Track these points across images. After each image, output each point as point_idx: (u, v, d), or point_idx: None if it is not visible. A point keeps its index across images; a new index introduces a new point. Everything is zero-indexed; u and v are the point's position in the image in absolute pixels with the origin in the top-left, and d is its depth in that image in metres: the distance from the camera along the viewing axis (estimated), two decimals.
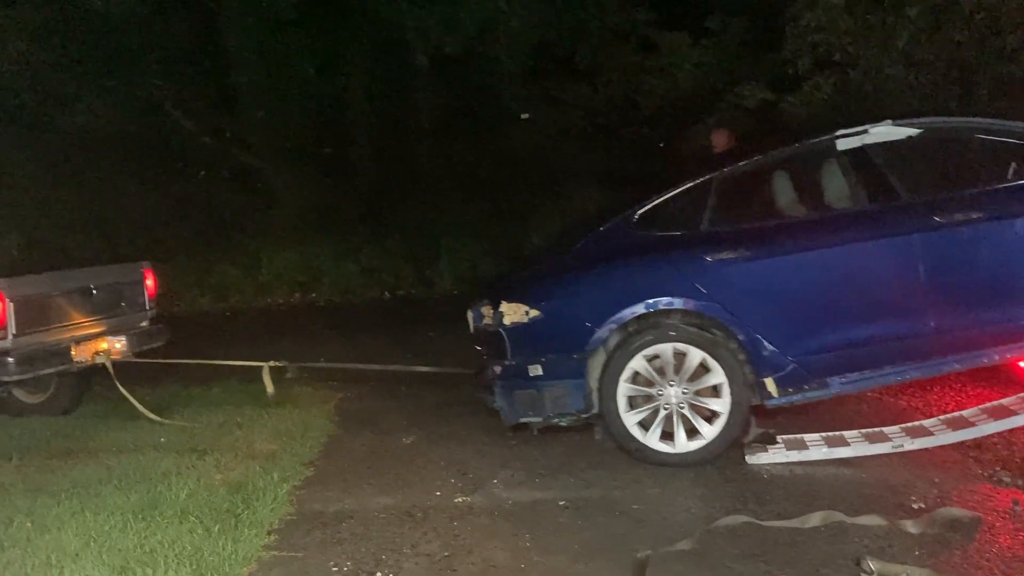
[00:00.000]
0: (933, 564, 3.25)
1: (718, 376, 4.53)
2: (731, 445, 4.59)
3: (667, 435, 4.59)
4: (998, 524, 3.61)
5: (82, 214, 13.48)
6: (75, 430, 5.96)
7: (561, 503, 4.22)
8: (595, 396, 4.68)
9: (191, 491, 4.43)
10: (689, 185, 4.89)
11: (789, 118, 12.26)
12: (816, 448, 4.54)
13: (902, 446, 4.42)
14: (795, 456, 4.51)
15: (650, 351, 4.58)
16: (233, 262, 14.03)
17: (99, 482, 4.66)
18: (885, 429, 4.64)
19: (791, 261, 4.57)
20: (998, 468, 4.23)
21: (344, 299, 13.58)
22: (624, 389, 4.60)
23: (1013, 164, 4.63)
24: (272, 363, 6.15)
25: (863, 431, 4.66)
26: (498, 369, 4.86)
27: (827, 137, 4.81)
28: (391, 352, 8.02)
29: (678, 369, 4.57)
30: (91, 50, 13.71)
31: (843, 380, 4.50)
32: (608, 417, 4.65)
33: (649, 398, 4.60)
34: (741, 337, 4.53)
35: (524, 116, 16.76)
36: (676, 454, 4.57)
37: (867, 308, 4.51)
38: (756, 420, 4.82)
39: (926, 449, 4.42)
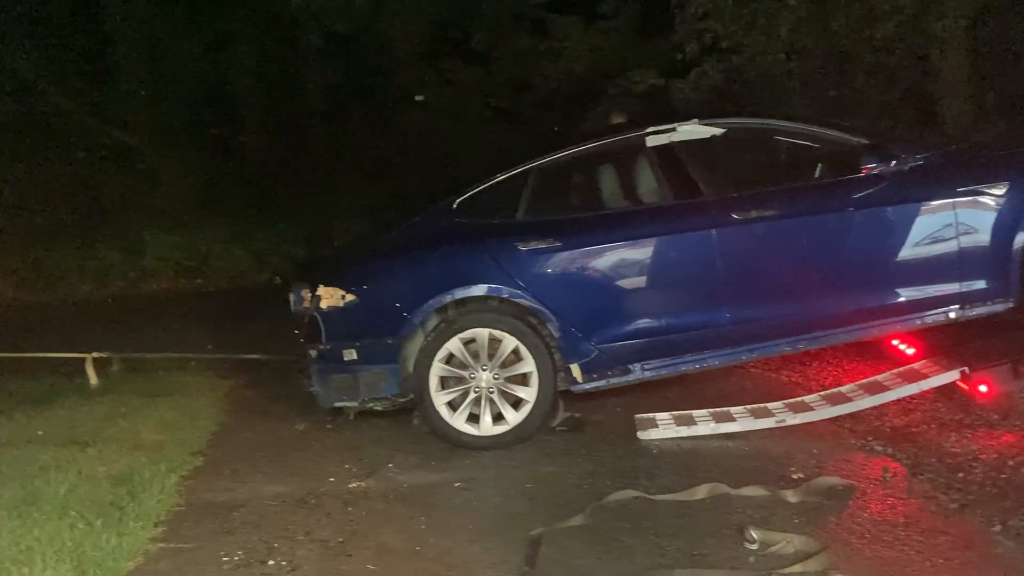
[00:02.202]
0: (811, 531, 3.40)
1: (528, 363, 4.64)
2: (538, 429, 4.71)
3: (474, 417, 4.68)
4: (870, 491, 3.80)
5: None
6: None
7: (457, 484, 4.24)
8: (411, 381, 4.72)
9: (72, 485, 4.23)
10: (508, 174, 4.97)
11: (678, 103, 12.54)
12: (704, 423, 4.69)
13: (784, 421, 4.61)
14: (684, 431, 4.65)
15: (468, 334, 4.65)
16: (115, 246, 13.47)
17: None
18: (769, 405, 4.83)
19: (597, 252, 4.71)
20: (870, 438, 4.46)
21: (233, 284, 13.21)
22: (437, 369, 4.66)
23: (820, 164, 4.90)
24: (95, 354, 6.06)
25: (748, 407, 4.84)
26: (313, 353, 4.84)
27: (638, 133, 4.98)
28: (276, 338, 7.85)
29: (492, 354, 4.65)
30: None
31: (645, 367, 4.70)
32: (420, 396, 4.70)
33: (461, 380, 4.67)
34: (551, 325, 4.65)
35: (419, 98, 16.63)
36: (481, 436, 4.66)
37: (667, 299, 4.71)
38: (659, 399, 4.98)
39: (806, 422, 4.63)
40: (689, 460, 4.33)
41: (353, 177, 14.60)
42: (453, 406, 4.69)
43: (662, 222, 4.77)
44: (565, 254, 4.71)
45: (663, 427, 4.72)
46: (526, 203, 4.89)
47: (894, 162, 4.60)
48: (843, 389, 4.86)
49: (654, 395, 5.20)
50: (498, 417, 4.68)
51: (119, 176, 14.51)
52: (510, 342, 4.65)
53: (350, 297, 4.76)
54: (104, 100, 14.81)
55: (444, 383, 4.70)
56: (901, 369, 4.80)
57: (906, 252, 4.61)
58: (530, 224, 4.86)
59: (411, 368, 4.73)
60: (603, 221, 4.93)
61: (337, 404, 4.91)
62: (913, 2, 10.16)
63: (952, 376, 4.51)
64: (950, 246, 4.55)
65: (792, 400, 4.87)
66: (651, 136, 4.92)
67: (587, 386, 4.75)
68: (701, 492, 3.83)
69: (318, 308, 4.77)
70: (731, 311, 4.66)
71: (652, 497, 3.84)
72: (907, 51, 10.71)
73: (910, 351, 4.98)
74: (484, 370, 4.66)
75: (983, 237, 4.53)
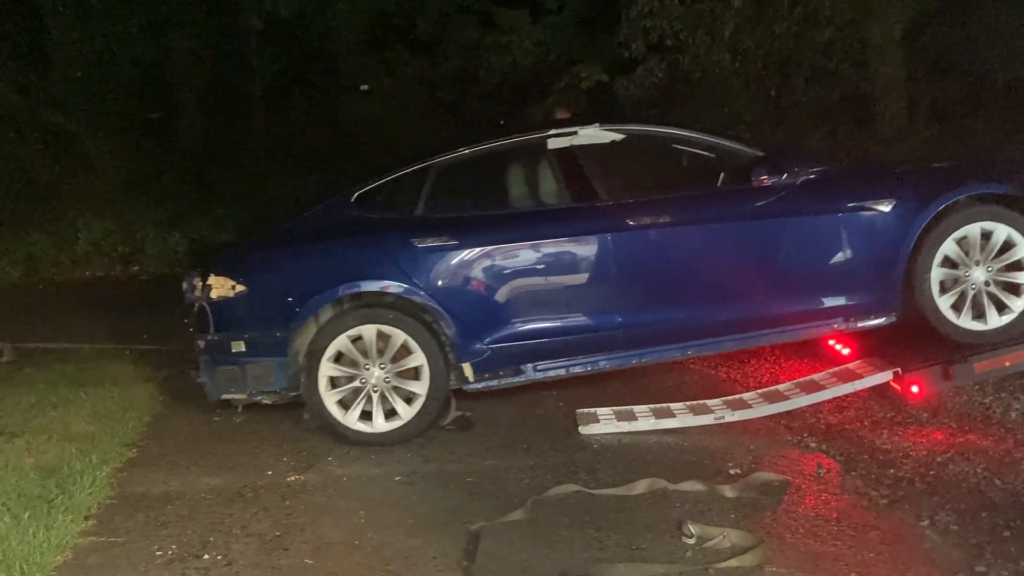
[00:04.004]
0: (747, 525, 3.46)
1: (418, 356, 4.62)
2: (429, 427, 4.71)
3: (367, 414, 4.66)
4: (804, 486, 3.88)
5: None
6: None
7: (397, 478, 4.21)
8: (300, 375, 4.68)
9: None
10: (409, 169, 4.96)
11: (623, 100, 12.63)
12: (644, 419, 4.73)
13: (723, 418, 4.67)
14: (625, 427, 4.69)
15: (355, 331, 4.62)
16: (47, 231, 13.05)
17: None
18: (708, 402, 4.89)
19: (493, 252, 4.71)
20: (806, 435, 4.55)
21: (171, 271, 12.91)
22: (326, 368, 4.62)
23: (715, 175, 4.97)
24: None
25: (688, 403, 4.89)
26: (201, 344, 4.77)
27: (540, 135, 5.01)
28: None
29: (383, 351, 4.63)
30: None
31: (537, 367, 4.74)
32: (309, 394, 4.66)
33: (351, 378, 4.64)
34: (444, 323, 4.65)
35: (363, 87, 16.47)
36: (373, 434, 4.65)
37: (561, 302, 4.73)
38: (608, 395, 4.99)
39: None
40: (629, 455, 4.36)
41: (293, 164, 14.38)
42: (344, 404, 4.65)
43: (558, 225, 4.78)
44: (461, 252, 4.68)
45: (604, 422, 4.74)
46: (425, 199, 4.85)
47: (785, 175, 4.69)
48: (780, 387, 4.95)
49: (595, 390, 5.23)
50: (391, 413, 4.64)
51: (51, 159, 14.06)
52: (399, 336, 4.61)
53: (240, 287, 4.68)
54: (37, 81, 14.32)
55: (334, 382, 4.64)
56: (837, 369, 4.90)
57: (793, 264, 4.72)
58: (428, 220, 4.82)
59: (301, 362, 4.67)
60: (500, 221, 4.87)
61: (224, 396, 4.82)
62: (852, 8, 10.39)
63: (885, 376, 4.62)
64: (836, 260, 4.67)
65: (731, 397, 4.94)
66: (552, 138, 4.94)
67: (479, 385, 4.74)
68: (640, 487, 3.86)
69: (208, 297, 4.68)
70: (623, 315, 4.70)
71: (592, 492, 3.86)
72: (846, 55, 10.95)
73: (845, 351, 5.08)
74: (375, 367, 4.62)
75: (869, 252, 4.65)
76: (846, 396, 4.82)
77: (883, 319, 4.72)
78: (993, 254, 4.59)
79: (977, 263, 4.59)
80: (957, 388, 4.80)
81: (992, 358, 4.53)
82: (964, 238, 4.58)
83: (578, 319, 4.71)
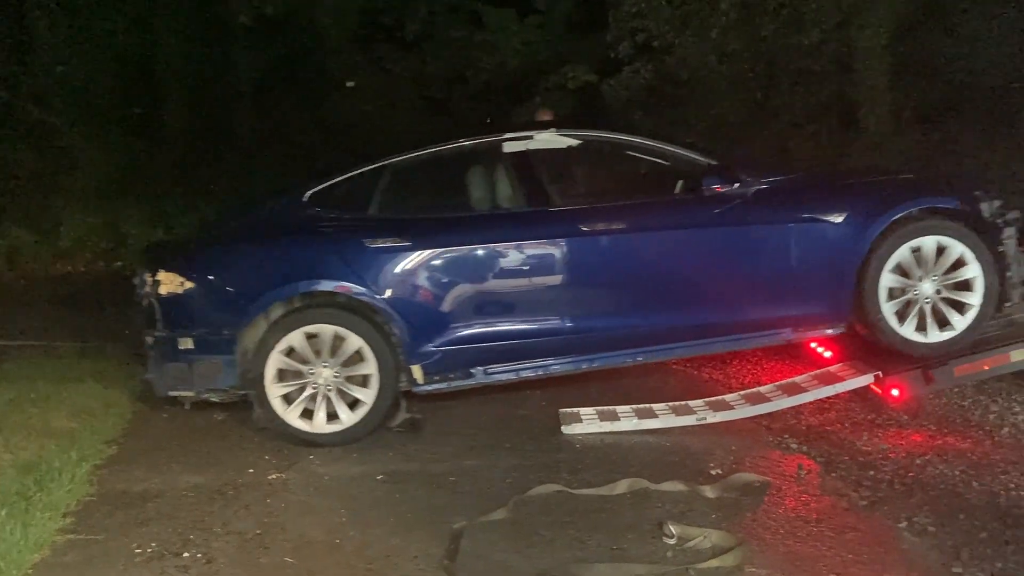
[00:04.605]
0: (728, 526, 3.48)
1: (370, 365, 4.58)
2: (377, 428, 4.68)
3: (309, 413, 4.62)
4: (785, 487, 3.90)
5: None
6: None
7: (379, 477, 4.20)
8: (249, 370, 4.64)
9: None
10: (363, 169, 4.94)
11: (610, 101, 12.66)
12: (627, 419, 4.75)
13: (705, 419, 4.69)
14: (607, 426, 4.70)
15: (310, 329, 4.57)
16: (29, 226, 12.95)
17: None
18: (690, 402, 4.91)
19: (445, 255, 4.68)
20: (787, 436, 4.58)
21: None
22: (276, 361, 4.56)
23: (668, 183, 5.00)
24: None
25: (670, 404, 4.91)
26: (150, 340, 4.73)
27: (496, 138, 4.99)
28: None
29: (335, 351, 4.59)
30: None
31: (488, 371, 4.73)
32: (255, 386, 4.60)
33: (299, 374, 4.60)
34: (394, 325, 4.62)
35: (349, 84, 16.43)
36: (313, 433, 4.61)
37: (512, 306, 4.72)
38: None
39: None
40: (611, 455, 4.37)
41: (279, 161, 14.31)
42: (288, 400, 4.60)
43: (511, 229, 4.77)
44: (413, 254, 4.65)
45: (587, 422, 4.76)
46: (379, 200, 4.83)
47: (737, 184, 4.71)
48: (762, 389, 4.97)
49: (579, 391, 5.24)
50: (333, 415, 4.60)
51: (35, 154, 13.94)
52: (355, 342, 4.57)
53: (188, 284, 4.64)
54: (21, 74, 14.21)
55: (282, 376, 4.60)
56: (818, 371, 4.93)
57: (743, 274, 4.75)
58: (381, 221, 4.79)
59: (250, 358, 4.62)
60: (454, 224, 4.84)
61: (172, 393, 4.78)
62: (838, 12, 10.45)
63: (866, 380, 4.66)
64: (787, 270, 4.70)
65: (713, 398, 4.96)
66: (509, 142, 4.93)
67: (428, 388, 4.72)
68: (622, 487, 3.88)
69: (157, 294, 4.65)
70: (573, 320, 4.70)
71: (574, 491, 3.87)
72: (831, 59, 11.00)
73: (827, 354, 5.12)
74: (325, 367, 4.58)
75: (819, 263, 4.68)
76: (827, 398, 4.85)
77: (832, 330, 4.76)
78: (944, 269, 4.61)
79: (929, 276, 4.61)
80: (936, 391, 4.84)
81: (972, 362, 4.58)
82: (919, 249, 4.60)
83: (529, 323, 4.70)
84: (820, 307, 4.71)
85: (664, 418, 4.74)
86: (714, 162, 4.81)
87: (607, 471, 4.11)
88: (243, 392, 4.70)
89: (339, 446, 4.59)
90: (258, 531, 3.61)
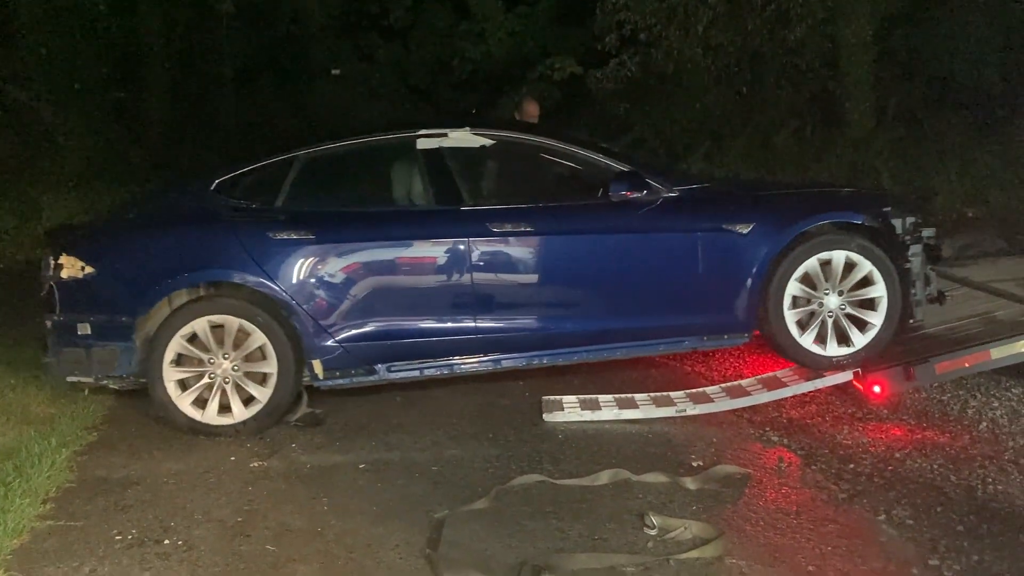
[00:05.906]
0: (708, 517, 3.50)
1: (271, 364, 4.54)
2: (276, 422, 4.66)
3: (203, 402, 4.58)
4: (765, 480, 3.93)
5: None
6: None
7: (361, 466, 4.20)
8: (146, 354, 4.58)
9: None
10: (272, 159, 4.91)
11: (596, 93, 12.66)
12: (608, 409, 4.76)
13: (685, 411, 4.71)
14: (589, 415, 4.71)
15: (215, 319, 4.54)
16: (8, 210, 12.81)
17: None
18: (672, 394, 4.93)
19: (350, 250, 4.66)
20: (767, 428, 4.60)
21: None
22: (176, 345, 4.52)
23: (578, 187, 5.00)
24: None
25: (652, 395, 4.93)
26: (48, 323, 4.67)
27: (410, 134, 4.97)
28: None
29: (238, 345, 4.55)
30: None
31: (390, 368, 4.72)
32: (151, 369, 4.55)
33: (199, 363, 4.56)
34: (296, 319, 4.60)
35: (335, 71, 16.34)
36: (201, 423, 4.56)
37: (417, 304, 4.71)
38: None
39: None
40: (593, 445, 4.39)
41: (262, 147, 14.24)
42: (184, 386, 4.56)
43: (419, 227, 4.76)
44: (317, 248, 4.61)
45: (569, 410, 4.77)
46: (287, 191, 4.77)
47: (645, 191, 4.73)
48: (743, 383, 5.00)
49: (563, 381, 5.26)
50: (225, 408, 4.57)
51: (15, 137, 13.79)
52: (258, 338, 4.54)
53: (89, 269, 4.58)
54: (2, 56, 14.04)
55: (181, 361, 4.55)
56: (800, 366, 4.95)
57: (648, 280, 4.77)
58: (286, 213, 4.73)
59: (150, 340, 4.56)
60: (360, 218, 4.81)
61: (70, 379, 4.72)
62: (823, 7, 10.49)
63: (847, 376, 4.69)
64: (692, 278, 4.73)
65: (694, 391, 4.98)
66: (422, 139, 4.91)
67: (329, 383, 4.70)
68: (604, 477, 3.89)
69: (58, 277, 4.59)
70: (477, 321, 4.70)
71: (556, 482, 3.88)
72: (816, 54, 11.06)
73: None
74: (225, 359, 4.55)
75: (724, 273, 4.71)
76: (809, 391, 4.87)
77: (736, 340, 4.82)
78: (851, 286, 4.66)
79: (835, 290, 4.66)
80: (917, 387, 4.88)
81: (953, 359, 4.61)
82: (829, 263, 4.65)
83: (433, 322, 4.70)
84: (725, 316, 4.75)
85: (645, 408, 4.75)
86: (626, 168, 4.80)
87: (589, 462, 4.12)
88: (143, 380, 4.62)
89: (228, 438, 4.52)
90: (239, 519, 3.61)
